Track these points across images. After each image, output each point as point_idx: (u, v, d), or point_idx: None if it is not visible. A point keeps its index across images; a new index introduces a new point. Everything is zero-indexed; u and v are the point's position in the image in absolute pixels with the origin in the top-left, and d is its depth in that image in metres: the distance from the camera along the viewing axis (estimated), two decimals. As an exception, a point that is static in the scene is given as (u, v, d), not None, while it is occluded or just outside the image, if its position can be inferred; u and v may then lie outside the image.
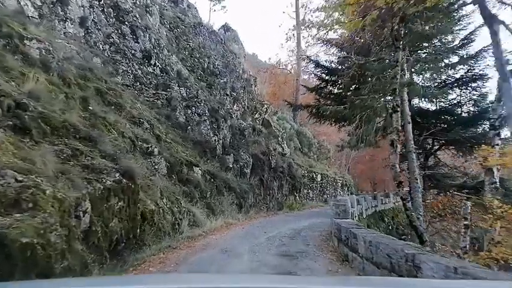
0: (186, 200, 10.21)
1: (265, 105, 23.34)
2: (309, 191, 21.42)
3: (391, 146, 7.30)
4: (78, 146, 5.88)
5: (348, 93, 11.76)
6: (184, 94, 14.89)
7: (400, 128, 7.32)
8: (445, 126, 14.15)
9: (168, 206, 8.90)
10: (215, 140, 14.58)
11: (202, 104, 14.94)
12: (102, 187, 5.38)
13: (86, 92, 9.38)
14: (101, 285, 1.65)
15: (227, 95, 18.99)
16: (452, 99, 13.88)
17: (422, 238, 7.19)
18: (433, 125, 13.99)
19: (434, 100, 13.45)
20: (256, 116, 21.85)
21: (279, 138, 21.32)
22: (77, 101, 8.57)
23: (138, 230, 6.27)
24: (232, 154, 15.14)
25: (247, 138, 17.43)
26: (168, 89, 14.55)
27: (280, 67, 30.59)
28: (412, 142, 10.96)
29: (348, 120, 11.22)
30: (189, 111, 14.52)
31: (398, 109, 7.28)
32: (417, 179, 10.53)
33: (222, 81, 19.10)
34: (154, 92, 14.13)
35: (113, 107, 10.65)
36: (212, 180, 12.50)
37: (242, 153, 15.84)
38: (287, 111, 29.34)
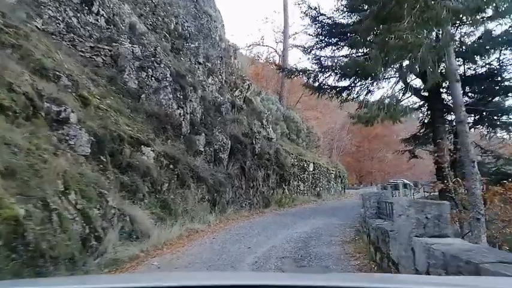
0: (122, 195, 6.40)
1: (247, 82, 19.54)
2: (300, 183, 17.89)
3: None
4: None
5: (368, 42, 8.16)
6: (139, 52, 10.91)
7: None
8: (482, 95, 10.90)
9: (79, 206, 5.07)
10: (180, 113, 10.73)
11: (162, 66, 11.02)
12: None
13: None
14: (101, 283, 1.57)
15: (199, 63, 15.08)
16: (490, 62, 10.64)
17: None
18: (467, 95, 10.73)
19: (473, 61, 10.15)
20: (237, 93, 18.05)
21: (264, 121, 17.60)
22: None
23: None
24: (203, 134, 11.35)
25: (225, 115, 13.65)
26: (115, 44, 10.56)
27: (264, 45, 26.82)
28: (464, 109, 7.52)
29: (373, 74, 7.64)
30: (144, 74, 10.59)
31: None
32: (474, 162, 7.13)
33: (192, 45, 15.16)
34: (92, 46, 10.12)
35: (9, 50, 6.95)
36: (172, 166, 8.68)
37: (217, 134, 12.06)
38: (272, 93, 25.73)
